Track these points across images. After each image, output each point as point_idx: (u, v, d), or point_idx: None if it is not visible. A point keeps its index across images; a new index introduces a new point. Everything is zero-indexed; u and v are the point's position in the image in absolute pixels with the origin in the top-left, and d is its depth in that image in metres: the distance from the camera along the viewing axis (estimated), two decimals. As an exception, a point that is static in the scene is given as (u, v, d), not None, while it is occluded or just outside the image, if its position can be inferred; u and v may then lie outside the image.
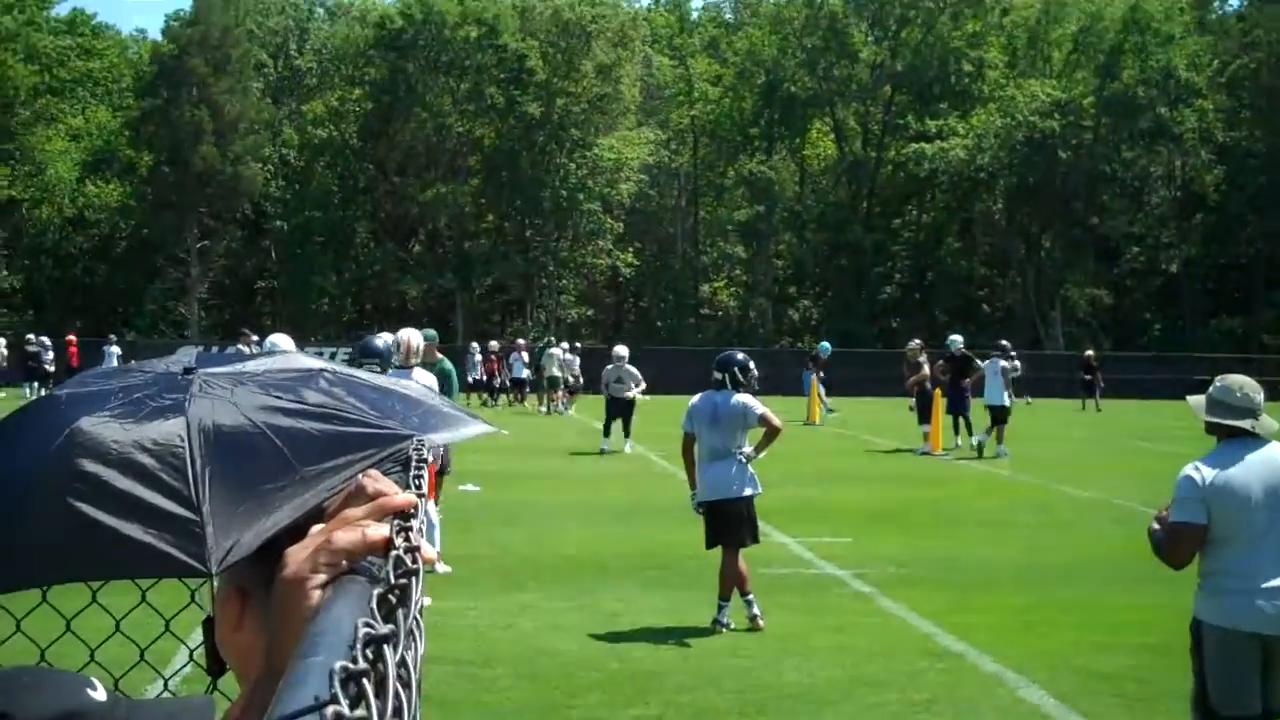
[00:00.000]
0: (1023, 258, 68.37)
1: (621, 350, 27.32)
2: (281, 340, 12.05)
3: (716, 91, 71.34)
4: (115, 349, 43.94)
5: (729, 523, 10.34)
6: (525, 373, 42.45)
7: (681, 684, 8.65)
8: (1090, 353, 46.49)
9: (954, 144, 63.45)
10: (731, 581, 10.31)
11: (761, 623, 10.18)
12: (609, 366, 27.46)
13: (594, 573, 12.54)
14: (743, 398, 10.46)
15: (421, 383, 9.64)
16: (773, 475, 20.35)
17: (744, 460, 10.34)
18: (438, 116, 63.95)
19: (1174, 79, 64.19)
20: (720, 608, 10.30)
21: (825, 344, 38.70)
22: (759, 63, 68.03)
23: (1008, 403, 25.58)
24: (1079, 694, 8.44)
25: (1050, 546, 14.28)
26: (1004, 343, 28.19)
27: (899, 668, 9.06)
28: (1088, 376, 43.67)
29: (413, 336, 12.95)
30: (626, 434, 26.28)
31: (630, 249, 68.38)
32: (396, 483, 1.30)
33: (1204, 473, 5.91)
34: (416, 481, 1.44)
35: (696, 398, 10.71)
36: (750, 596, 10.30)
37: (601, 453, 25.53)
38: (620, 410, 26.45)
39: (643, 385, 26.48)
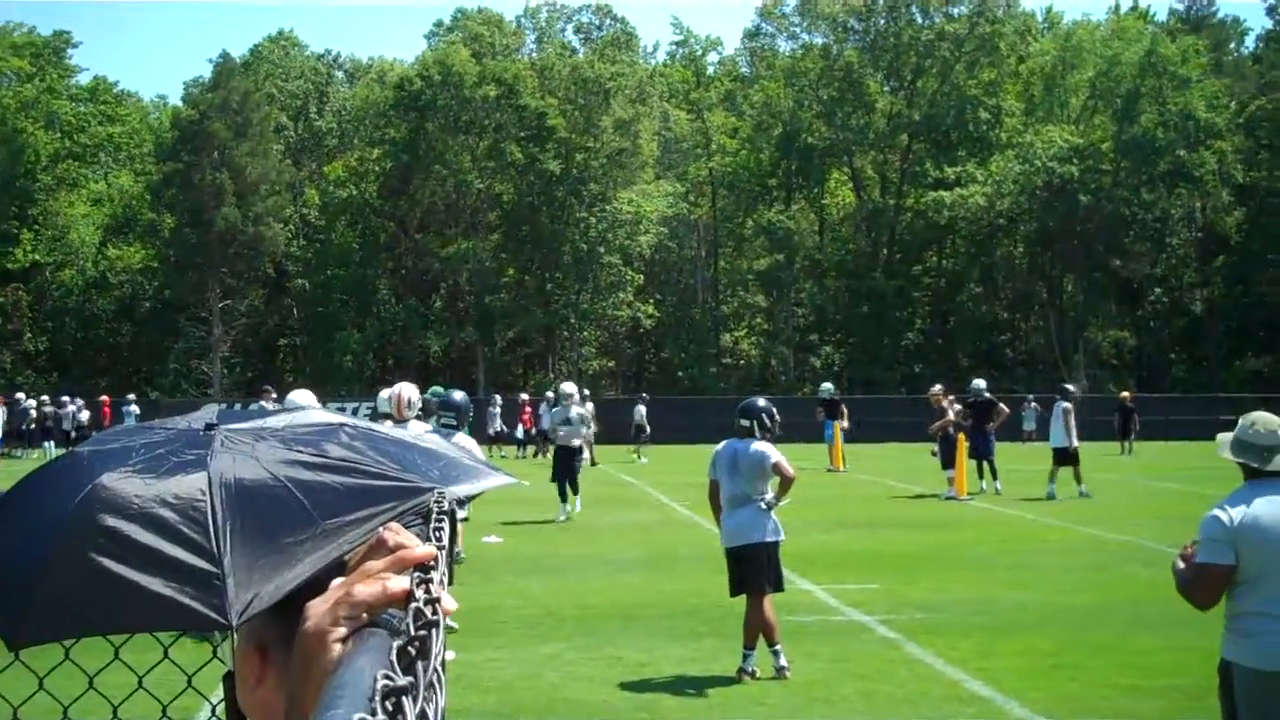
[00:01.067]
0: (1045, 301, 68.26)
1: (568, 388, 23.11)
2: (302, 397, 12.12)
3: (734, 143, 71.60)
4: (134, 408, 44.38)
5: (751, 569, 10.33)
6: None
7: (709, 735, 8.60)
8: (1125, 394, 45.63)
9: (973, 191, 63.50)
10: (756, 630, 10.27)
11: (788, 674, 10.13)
12: (555, 409, 23.74)
13: (618, 623, 12.49)
14: (762, 445, 10.51)
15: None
16: (797, 522, 20.30)
17: (765, 507, 10.37)
18: (457, 174, 64.30)
19: (1192, 121, 64.15)
20: (745, 656, 10.27)
21: (827, 385, 38.20)
22: (775, 114, 68.28)
23: (1071, 444, 25.39)
24: (1110, 739, 8.37)
25: (1078, 589, 14.18)
26: (1069, 386, 28.22)
27: (928, 714, 9.00)
28: (1124, 419, 42.46)
29: (403, 390, 13.22)
30: (574, 490, 22.44)
31: (651, 300, 68.53)
32: (418, 535, 1.30)
33: (1230, 513, 5.86)
34: (437, 534, 1.44)
35: (721, 445, 10.77)
36: (778, 647, 10.25)
37: (558, 521, 21.87)
38: (566, 461, 22.42)
39: (591, 430, 21.97)
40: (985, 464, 26.45)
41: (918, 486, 28.01)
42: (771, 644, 10.25)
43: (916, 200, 67.21)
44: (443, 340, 65.11)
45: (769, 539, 10.37)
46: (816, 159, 67.91)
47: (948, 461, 26.10)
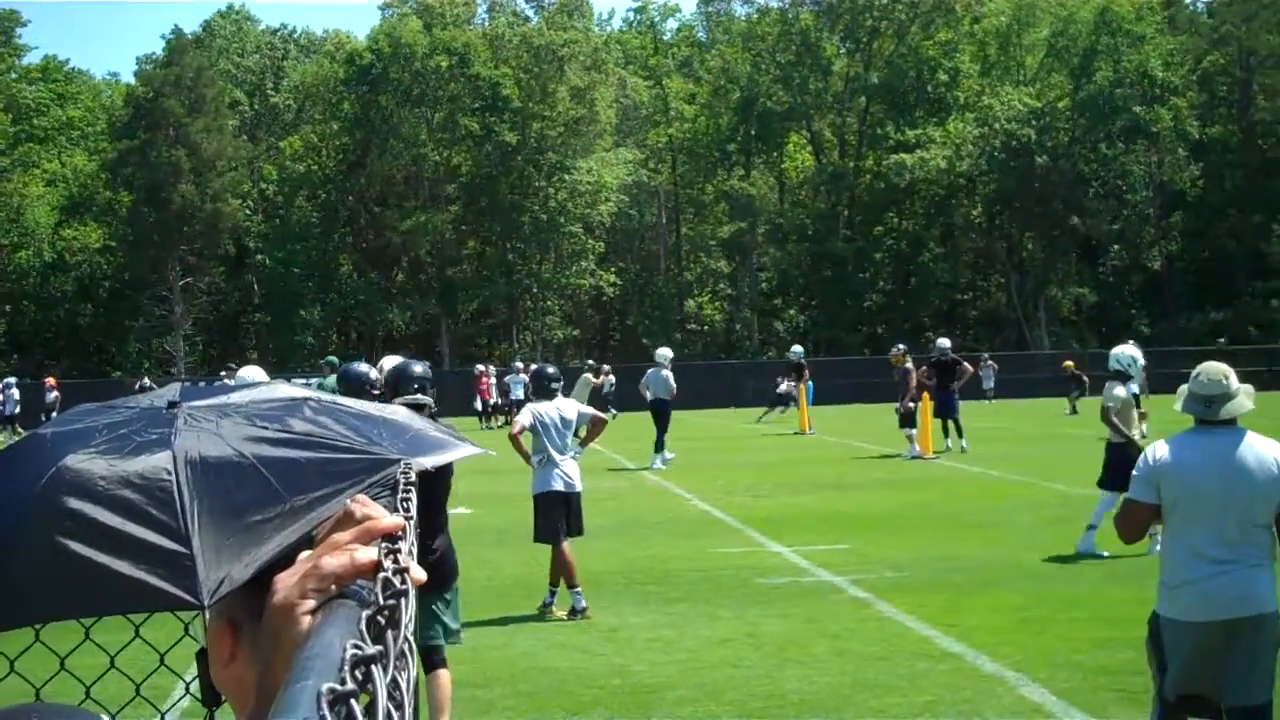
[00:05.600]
0: (1005, 260, 68.52)
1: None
2: (253, 373, 11.94)
3: (692, 110, 71.50)
4: (55, 393, 44.12)
5: (575, 513, 11.42)
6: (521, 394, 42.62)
7: (682, 697, 8.63)
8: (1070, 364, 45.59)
9: (933, 154, 63.52)
10: (563, 570, 11.22)
11: (589, 615, 11.07)
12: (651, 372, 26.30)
13: (589, 590, 12.48)
14: (575, 403, 11.95)
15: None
16: (766, 485, 20.42)
17: (577, 456, 11.58)
18: (414, 147, 64.02)
19: (1148, 78, 64.32)
20: (551, 592, 11.30)
21: (797, 348, 38.48)
22: (733, 80, 68.19)
23: None
24: (1080, 690, 8.43)
25: (1044, 544, 14.27)
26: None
27: (899, 671, 9.06)
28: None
29: (387, 363, 12.73)
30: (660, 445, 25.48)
31: (613, 268, 68.46)
32: (386, 506, 1.30)
33: (1158, 451, 5.95)
34: (405, 504, 1.44)
35: (539, 406, 11.48)
36: (579, 589, 11.18)
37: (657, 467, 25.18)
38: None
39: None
40: (950, 422, 26.49)
41: (883, 447, 28.13)
42: (572, 585, 11.20)
43: (876, 162, 67.28)
44: (405, 314, 64.92)
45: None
46: (775, 123, 67.86)
47: (911, 420, 26.11)
